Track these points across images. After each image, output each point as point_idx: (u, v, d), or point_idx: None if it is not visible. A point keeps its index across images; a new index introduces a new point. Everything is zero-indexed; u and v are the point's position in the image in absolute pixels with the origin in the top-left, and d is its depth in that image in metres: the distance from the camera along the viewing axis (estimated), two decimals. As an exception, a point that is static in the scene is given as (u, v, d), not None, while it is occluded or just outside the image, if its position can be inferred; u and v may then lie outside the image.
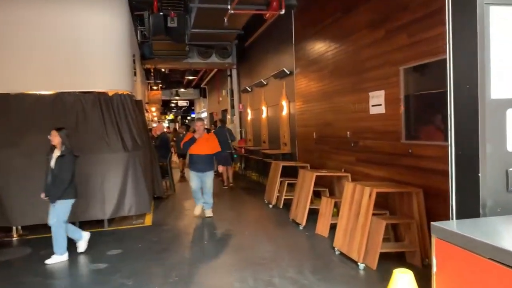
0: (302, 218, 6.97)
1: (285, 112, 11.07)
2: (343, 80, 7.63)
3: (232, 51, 15.61)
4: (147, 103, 17.65)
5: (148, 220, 8.03)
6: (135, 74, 9.91)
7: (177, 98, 31.22)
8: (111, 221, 7.76)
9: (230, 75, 17.49)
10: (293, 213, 7.43)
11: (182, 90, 29.99)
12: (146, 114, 20.68)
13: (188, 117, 47.68)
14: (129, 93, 8.70)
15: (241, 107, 16.62)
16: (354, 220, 5.26)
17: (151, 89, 19.92)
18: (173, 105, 43.81)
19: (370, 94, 6.60)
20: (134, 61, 9.76)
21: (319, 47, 8.74)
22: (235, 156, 12.80)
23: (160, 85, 28.39)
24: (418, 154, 5.47)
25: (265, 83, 12.83)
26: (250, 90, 14.87)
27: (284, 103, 11.07)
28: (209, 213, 8.16)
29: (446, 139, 5.06)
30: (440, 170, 5.04)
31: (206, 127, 18.58)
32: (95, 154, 7.50)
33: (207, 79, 24.30)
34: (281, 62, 11.24)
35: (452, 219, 2.35)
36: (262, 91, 13.29)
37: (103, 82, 8.27)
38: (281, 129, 11.46)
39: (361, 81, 6.92)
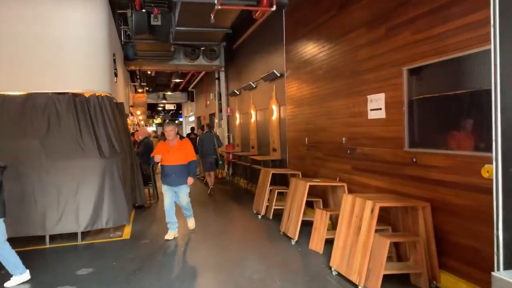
0: (294, 231, 6.39)
1: (275, 116, 10.52)
2: (339, 82, 7.10)
3: (220, 53, 15.04)
4: (131, 106, 16.97)
5: (127, 233, 7.39)
6: (116, 75, 9.28)
7: (164, 101, 30.54)
8: (86, 233, 7.12)
9: (218, 78, 16.91)
10: (284, 225, 6.85)
11: (169, 93, 29.34)
12: (131, 118, 20.01)
13: (176, 121, 46.94)
14: (108, 94, 8.07)
15: (229, 111, 16.04)
16: (354, 237, 4.71)
17: (136, 92, 19.22)
18: (160, 108, 43.09)
19: (369, 97, 6.07)
20: (114, 61, 9.13)
21: (312, 48, 8.21)
22: (220, 162, 12.23)
23: (146, 88, 27.71)
24: (423, 163, 4.94)
25: (254, 86, 12.28)
26: (238, 93, 14.30)
27: (274, 107, 10.53)
28: (191, 224, 7.51)
29: (457, 147, 4.58)
30: (448, 182, 4.52)
31: (193, 131, 17.97)
32: (68, 161, 6.86)
33: (195, 82, 23.69)
34: (271, 64, 10.70)
35: (499, 264, 1.79)
36: (251, 94, 12.73)
37: (78, 82, 7.65)
38: (271, 134, 10.90)
39: (359, 83, 6.40)
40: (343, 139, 6.93)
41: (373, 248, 4.45)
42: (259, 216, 8.31)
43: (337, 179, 7.01)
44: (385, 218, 5.33)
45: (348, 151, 6.76)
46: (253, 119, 12.59)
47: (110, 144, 7.39)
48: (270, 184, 8.45)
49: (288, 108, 9.57)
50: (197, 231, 7.45)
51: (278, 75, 10.05)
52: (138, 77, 19.84)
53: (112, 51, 8.86)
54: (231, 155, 14.75)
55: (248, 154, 12.54)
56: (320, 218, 6.02)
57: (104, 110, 7.59)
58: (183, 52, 14.48)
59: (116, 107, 8.82)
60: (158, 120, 53.61)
